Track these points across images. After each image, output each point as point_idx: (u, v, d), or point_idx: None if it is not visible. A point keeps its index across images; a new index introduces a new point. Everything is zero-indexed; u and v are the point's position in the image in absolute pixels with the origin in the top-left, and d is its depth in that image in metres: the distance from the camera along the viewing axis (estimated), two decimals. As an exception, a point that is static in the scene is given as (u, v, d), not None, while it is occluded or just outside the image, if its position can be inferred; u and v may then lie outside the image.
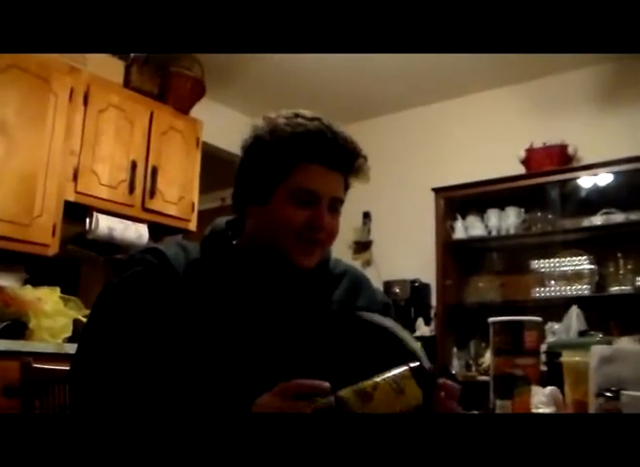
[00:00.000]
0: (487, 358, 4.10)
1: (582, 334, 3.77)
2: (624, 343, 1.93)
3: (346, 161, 1.33)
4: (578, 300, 4.01)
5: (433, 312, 4.71)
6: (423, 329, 4.59)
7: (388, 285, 4.76)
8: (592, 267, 4.11)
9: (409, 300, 4.71)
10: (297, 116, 1.33)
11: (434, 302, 4.71)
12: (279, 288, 1.35)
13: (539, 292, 4.25)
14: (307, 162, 1.29)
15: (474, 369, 4.37)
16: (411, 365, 1.02)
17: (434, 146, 5.12)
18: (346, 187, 1.39)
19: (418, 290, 4.75)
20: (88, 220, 3.78)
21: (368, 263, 5.21)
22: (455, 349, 4.52)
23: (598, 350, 1.23)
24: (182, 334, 1.23)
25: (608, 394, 1.13)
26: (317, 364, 1.30)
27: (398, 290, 4.73)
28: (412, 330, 4.55)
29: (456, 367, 4.42)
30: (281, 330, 1.31)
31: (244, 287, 1.32)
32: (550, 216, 4.31)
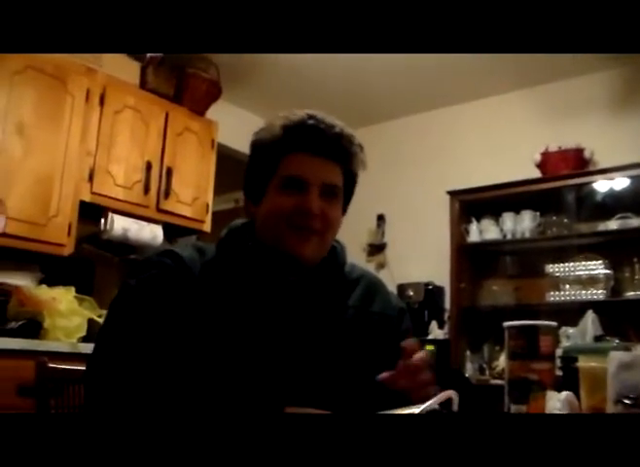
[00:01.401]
0: (501, 362, 4.08)
1: (597, 339, 3.75)
2: (643, 349, 1.92)
3: (332, 146, 1.34)
4: (593, 304, 3.98)
5: (446, 315, 4.70)
6: (437, 332, 4.57)
7: (402, 288, 4.75)
8: (608, 271, 4.08)
9: (423, 303, 4.69)
10: (291, 113, 1.36)
11: (447, 305, 4.69)
12: (291, 289, 1.35)
13: (553, 296, 4.22)
14: (294, 152, 1.33)
15: (487, 372, 4.35)
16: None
17: (449, 149, 5.11)
18: (349, 177, 1.40)
19: (432, 293, 4.74)
20: (103, 220, 3.80)
21: (382, 265, 5.20)
22: (469, 353, 4.50)
23: (617, 356, 1.22)
24: (198, 336, 1.23)
25: (627, 401, 1.12)
26: (331, 368, 1.31)
27: (412, 293, 4.72)
28: (426, 333, 4.54)
29: (469, 370, 4.41)
30: (296, 334, 1.31)
31: (258, 289, 1.32)
32: (565, 220, 4.28)
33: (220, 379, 1.17)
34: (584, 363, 1.34)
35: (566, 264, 4.23)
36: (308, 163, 1.33)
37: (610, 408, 1.17)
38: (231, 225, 1.44)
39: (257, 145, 1.39)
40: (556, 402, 1.32)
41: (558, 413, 1.29)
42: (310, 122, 1.33)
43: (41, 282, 3.54)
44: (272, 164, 1.34)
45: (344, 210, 1.45)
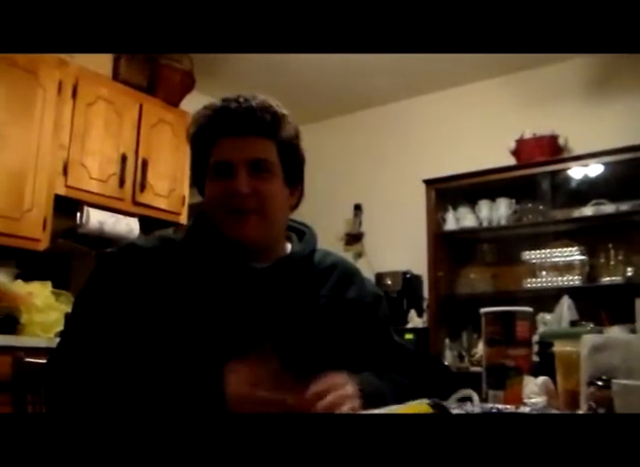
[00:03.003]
0: (480, 349, 4.11)
1: (573, 324, 3.79)
2: (615, 332, 1.94)
3: (247, 121, 1.31)
4: (569, 290, 4.03)
5: (425, 304, 4.72)
6: (415, 320, 4.59)
7: (380, 277, 4.76)
8: (583, 257, 4.12)
9: (401, 291, 4.71)
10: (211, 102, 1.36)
11: (426, 293, 4.72)
12: (257, 278, 1.33)
13: (530, 283, 4.26)
14: (218, 138, 1.32)
15: (466, 360, 4.38)
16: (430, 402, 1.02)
17: (424, 138, 5.12)
18: (284, 148, 1.35)
19: (410, 282, 4.76)
20: (78, 214, 3.76)
21: (359, 255, 5.21)
22: (448, 341, 4.53)
23: (589, 339, 1.23)
24: (156, 324, 1.23)
25: (599, 383, 1.14)
26: (302, 357, 1.29)
27: (390, 282, 4.74)
28: (405, 321, 4.56)
29: (449, 358, 4.44)
30: (264, 323, 1.29)
31: (222, 278, 1.31)
32: (540, 207, 4.31)
33: (173, 367, 1.16)
34: (559, 348, 1.35)
35: (542, 250, 4.26)
36: (230, 145, 1.31)
37: (583, 390, 1.19)
38: (198, 213, 1.43)
39: (190, 141, 1.39)
40: (533, 386, 1.33)
41: (536, 397, 1.31)
42: (224, 104, 1.32)
43: (17, 277, 3.50)
44: (204, 156, 1.34)
45: (295, 183, 1.41)
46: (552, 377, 1.35)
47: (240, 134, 1.31)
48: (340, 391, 1.16)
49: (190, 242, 1.38)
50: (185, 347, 1.20)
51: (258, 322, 1.28)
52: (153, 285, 1.27)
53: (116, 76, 4.14)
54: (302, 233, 1.48)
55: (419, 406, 0.99)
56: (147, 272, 1.28)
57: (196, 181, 1.41)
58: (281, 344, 1.25)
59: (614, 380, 1.05)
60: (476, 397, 1.10)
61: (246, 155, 1.30)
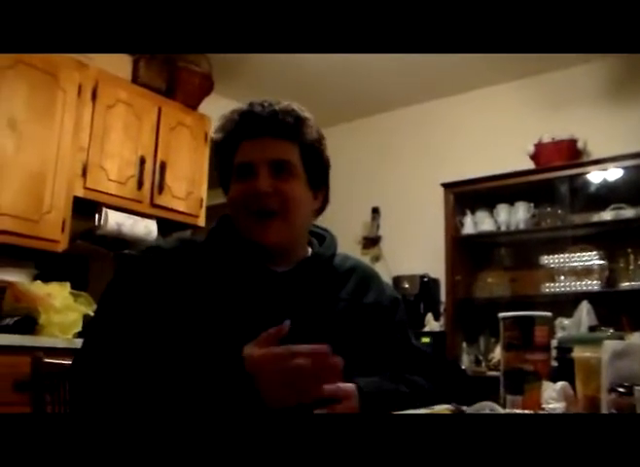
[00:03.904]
0: (497, 353, 4.09)
1: (592, 329, 3.75)
2: (637, 339, 1.92)
3: (270, 123, 1.33)
4: (588, 295, 3.99)
5: (442, 307, 4.70)
6: (432, 324, 4.58)
7: (397, 280, 4.75)
8: (602, 262, 4.09)
9: (419, 295, 4.70)
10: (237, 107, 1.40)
11: (443, 297, 4.70)
12: (279, 280, 1.34)
13: (548, 287, 4.23)
14: (241, 142, 1.35)
15: (483, 364, 4.35)
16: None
17: (443, 141, 5.11)
18: (307, 150, 1.37)
19: (427, 285, 4.75)
20: (97, 216, 3.78)
21: (377, 258, 5.20)
22: (465, 344, 4.51)
23: (611, 345, 1.22)
24: (180, 326, 1.23)
25: (621, 389, 1.12)
26: None
27: (407, 285, 4.72)
28: (422, 325, 4.54)
29: (465, 362, 4.42)
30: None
31: (244, 281, 1.31)
32: (559, 211, 4.29)
33: (198, 371, 1.15)
34: (578, 353, 1.34)
35: (561, 255, 4.23)
36: (252, 147, 1.34)
37: (604, 396, 1.18)
38: (222, 216, 1.44)
39: (215, 146, 1.42)
40: (552, 392, 1.32)
41: (554, 403, 1.30)
42: (248, 108, 1.36)
43: (35, 278, 3.53)
44: (229, 159, 1.37)
45: (318, 186, 1.42)
46: (571, 382, 1.34)
47: (262, 135, 1.33)
48: (341, 405, 1.17)
49: (211, 244, 1.38)
50: (206, 350, 1.19)
51: (278, 325, 1.28)
52: (175, 287, 1.27)
53: (135, 79, 4.17)
54: (322, 237, 1.49)
55: (441, 411, 0.99)
56: (169, 275, 1.29)
57: (223, 184, 1.42)
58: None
59: (636, 387, 1.04)
60: (497, 409, 1.09)
61: (267, 155, 1.32)
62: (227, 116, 1.39)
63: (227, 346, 1.19)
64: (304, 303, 1.34)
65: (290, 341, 1.26)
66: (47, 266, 3.65)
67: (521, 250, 4.58)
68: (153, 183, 4.05)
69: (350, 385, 1.21)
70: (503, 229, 4.52)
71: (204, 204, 4.39)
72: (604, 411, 1.17)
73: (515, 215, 4.45)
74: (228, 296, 1.28)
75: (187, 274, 1.29)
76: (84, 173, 3.70)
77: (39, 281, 3.43)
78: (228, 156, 1.37)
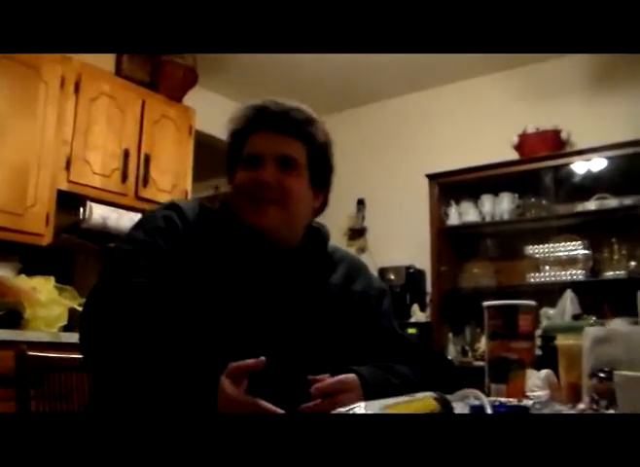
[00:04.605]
0: (483, 344, 4.11)
1: (576, 318, 3.78)
2: (617, 325, 1.93)
3: (282, 120, 1.41)
4: (572, 285, 4.02)
5: (428, 298, 4.72)
6: (418, 315, 4.60)
7: (383, 272, 4.76)
8: (587, 252, 4.12)
9: (405, 286, 4.71)
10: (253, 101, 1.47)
11: (429, 288, 4.71)
12: (276, 264, 1.40)
13: (533, 277, 4.26)
14: (253, 133, 1.42)
15: (470, 354, 4.38)
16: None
17: (427, 132, 5.11)
18: (314, 150, 1.44)
19: (413, 276, 4.76)
20: (81, 209, 3.76)
21: (362, 250, 5.21)
22: (451, 335, 4.53)
23: (591, 332, 1.24)
24: (187, 296, 1.27)
25: (601, 375, 1.14)
26: (311, 341, 1.33)
27: (393, 276, 4.74)
28: (408, 316, 4.56)
29: (452, 353, 4.44)
30: (280, 308, 1.35)
31: (245, 262, 1.36)
32: (543, 201, 4.31)
33: (195, 345, 1.18)
34: (561, 341, 1.35)
35: (546, 245, 4.26)
36: (263, 140, 1.41)
37: (585, 382, 1.19)
38: (222, 202, 1.49)
39: (228, 134, 1.48)
40: (536, 380, 1.33)
41: (538, 390, 1.31)
42: (263, 104, 1.43)
43: (20, 272, 3.51)
44: (238, 148, 1.43)
45: (320, 187, 1.49)
46: (555, 370, 1.36)
47: (273, 130, 1.40)
48: (345, 396, 1.18)
49: (224, 216, 1.43)
50: (208, 320, 1.25)
51: (276, 305, 1.34)
52: (188, 253, 1.32)
53: (118, 72, 4.15)
54: (316, 229, 1.54)
55: (424, 399, 1.00)
56: (187, 239, 1.34)
57: (229, 171, 1.48)
58: (292, 328, 1.33)
59: (616, 372, 1.05)
60: (481, 396, 1.10)
61: (275, 149, 1.39)
62: (241, 109, 1.46)
63: (227, 321, 1.26)
64: (301, 282, 1.41)
65: (283, 319, 1.33)
66: (31, 259, 3.63)
67: (506, 240, 4.60)
68: (137, 176, 4.03)
69: (352, 376, 1.23)
70: (488, 219, 4.53)
71: (189, 197, 4.37)
72: (585, 396, 1.18)
73: (500, 206, 4.47)
74: (234, 266, 1.34)
75: (201, 242, 1.34)
76: (67, 166, 3.68)
77: (23, 275, 3.42)
78: (238, 145, 1.44)
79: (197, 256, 1.32)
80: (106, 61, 4.09)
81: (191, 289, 1.28)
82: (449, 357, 4.35)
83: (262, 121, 1.41)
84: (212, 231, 1.38)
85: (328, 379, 1.18)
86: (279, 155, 1.39)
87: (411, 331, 4.35)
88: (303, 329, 1.35)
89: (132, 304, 1.20)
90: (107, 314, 1.21)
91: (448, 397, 1.07)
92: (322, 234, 1.52)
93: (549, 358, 1.44)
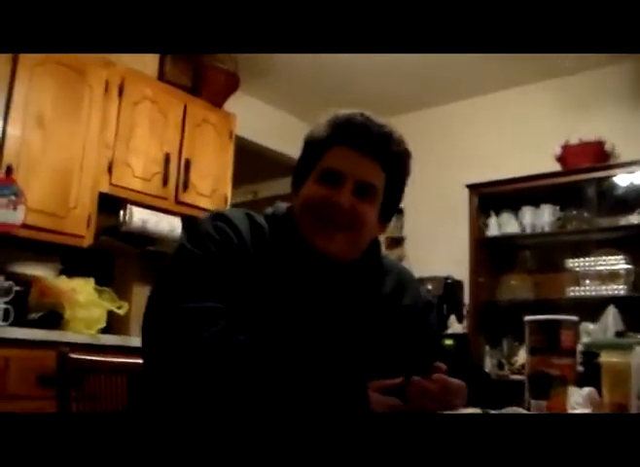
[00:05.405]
0: (520, 357, 4.06)
1: (619, 334, 3.71)
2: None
3: (376, 143, 1.33)
4: (613, 300, 3.95)
5: (465, 310, 4.68)
6: (455, 326, 4.56)
7: (421, 282, 4.72)
8: (629, 266, 4.04)
9: (442, 297, 4.67)
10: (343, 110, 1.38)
11: (466, 299, 4.68)
12: (332, 278, 1.36)
13: (573, 291, 4.19)
14: (338, 145, 1.33)
15: (506, 368, 4.33)
16: None
17: (468, 142, 5.08)
18: (392, 183, 1.39)
19: (451, 287, 4.72)
20: (122, 212, 3.80)
21: (400, 259, 5.17)
22: (488, 347, 4.48)
23: (642, 351, 1.21)
24: (249, 308, 1.23)
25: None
26: (364, 354, 1.31)
27: (430, 287, 4.70)
28: (445, 327, 4.52)
29: (488, 365, 4.39)
30: (335, 321, 1.32)
31: (302, 276, 1.33)
32: (585, 214, 4.25)
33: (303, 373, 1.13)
34: (606, 358, 1.32)
35: (586, 258, 4.19)
36: (348, 158, 1.32)
37: (633, 403, 1.16)
38: (276, 207, 1.44)
39: (307, 139, 1.40)
40: (578, 397, 1.30)
41: (580, 408, 1.28)
42: (359, 118, 1.34)
43: (61, 273, 3.56)
44: (317, 156, 1.35)
45: (386, 218, 1.44)
46: (598, 388, 1.33)
47: (361, 150, 1.32)
48: (454, 400, 1.18)
49: (275, 231, 1.36)
50: (269, 335, 1.20)
51: (333, 316, 1.32)
52: (239, 266, 1.26)
53: (161, 76, 4.19)
54: (373, 242, 1.49)
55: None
56: (243, 253, 1.28)
57: (297, 177, 1.41)
58: (347, 341, 1.31)
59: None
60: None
61: (358, 173, 1.32)
62: (330, 114, 1.37)
63: (293, 339, 1.22)
64: (356, 295, 1.38)
65: (340, 332, 1.31)
66: (72, 261, 3.67)
67: (546, 253, 4.54)
68: (178, 180, 4.07)
69: (461, 382, 1.22)
70: (528, 231, 4.48)
71: (229, 202, 4.40)
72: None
73: (541, 217, 4.42)
74: (294, 283, 1.30)
75: (260, 259, 1.29)
76: (109, 170, 3.72)
77: (64, 276, 3.46)
78: (316, 152, 1.36)
79: (257, 273, 1.26)
80: (149, 66, 4.13)
81: (251, 305, 1.23)
82: (486, 370, 4.31)
83: (354, 135, 1.32)
84: (272, 248, 1.32)
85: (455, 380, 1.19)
86: (360, 180, 1.32)
87: (448, 342, 4.31)
88: (358, 342, 1.33)
89: (227, 338, 1.13)
90: (199, 344, 1.12)
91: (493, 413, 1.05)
92: (378, 248, 1.48)
93: (591, 375, 1.41)
